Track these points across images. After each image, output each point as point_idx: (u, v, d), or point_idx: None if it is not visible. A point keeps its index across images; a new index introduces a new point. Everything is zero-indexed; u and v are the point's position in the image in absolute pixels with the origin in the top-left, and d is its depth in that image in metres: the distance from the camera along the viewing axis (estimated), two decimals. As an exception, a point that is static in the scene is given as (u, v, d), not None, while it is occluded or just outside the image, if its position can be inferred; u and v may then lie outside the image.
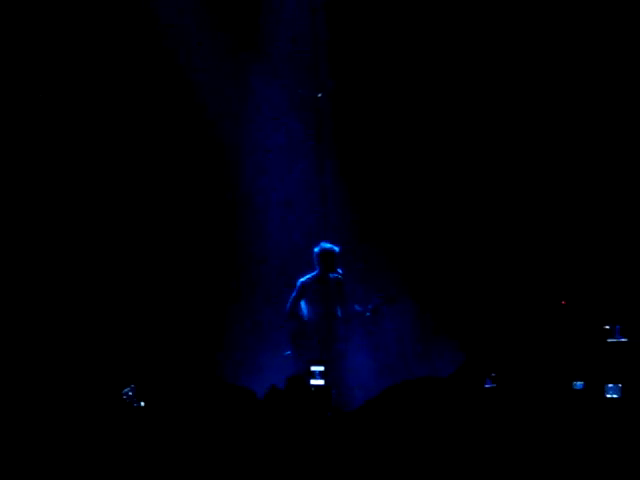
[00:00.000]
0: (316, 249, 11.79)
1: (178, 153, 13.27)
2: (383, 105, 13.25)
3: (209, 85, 13.26)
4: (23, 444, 7.51)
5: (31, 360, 12.24)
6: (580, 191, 12.86)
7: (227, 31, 13.21)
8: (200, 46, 13.24)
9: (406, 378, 10.26)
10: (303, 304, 11.78)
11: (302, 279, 11.82)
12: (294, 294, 11.77)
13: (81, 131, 13.10)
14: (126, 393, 8.53)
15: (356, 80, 13.29)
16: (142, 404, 8.48)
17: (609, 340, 11.07)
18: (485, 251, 13.06)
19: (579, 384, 9.11)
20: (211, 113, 13.30)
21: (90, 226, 13.05)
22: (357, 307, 11.82)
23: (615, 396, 9.56)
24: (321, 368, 9.34)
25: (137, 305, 12.93)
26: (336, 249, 11.75)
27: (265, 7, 13.33)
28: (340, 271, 11.79)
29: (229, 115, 13.38)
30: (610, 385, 9.63)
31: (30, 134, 13.02)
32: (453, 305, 13.04)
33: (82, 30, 12.97)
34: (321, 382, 9.24)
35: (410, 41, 13.13)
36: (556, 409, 7.48)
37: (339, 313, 11.75)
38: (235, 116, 13.40)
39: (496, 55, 12.96)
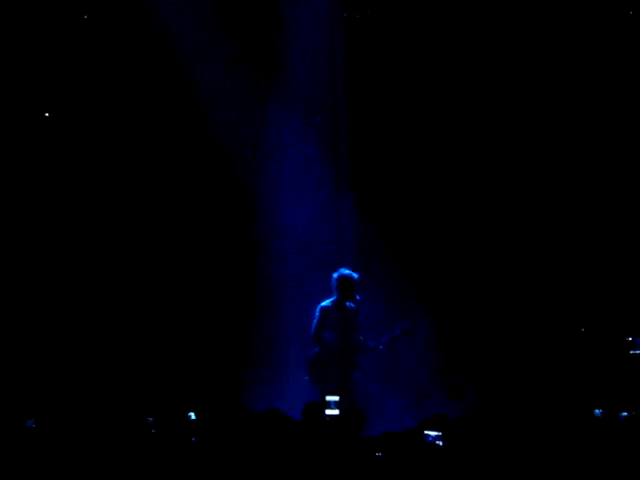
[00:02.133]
0: (335, 275, 11.73)
1: (197, 177, 13.38)
2: (400, 127, 13.30)
3: (227, 114, 13.36)
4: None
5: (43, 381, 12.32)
6: (606, 205, 12.81)
7: (246, 58, 13.29)
8: (219, 74, 13.29)
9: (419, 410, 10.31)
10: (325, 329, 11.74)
11: (322, 304, 11.77)
12: (317, 319, 11.70)
13: (107, 147, 13.31)
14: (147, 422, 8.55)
15: (373, 107, 13.35)
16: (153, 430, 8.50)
17: (632, 352, 11.03)
18: (504, 272, 13.00)
19: (598, 412, 9.02)
20: (229, 135, 13.37)
21: (103, 244, 13.18)
22: (370, 343, 11.76)
23: None
24: (336, 398, 9.29)
25: (164, 328, 13.05)
26: (355, 275, 11.70)
27: (284, 35, 13.37)
28: (358, 298, 11.74)
29: (246, 143, 13.44)
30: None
31: (47, 145, 13.14)
32: (471, 335, 12.97)
33: (113, 62, 13.10)
34: (336, 412, 9.18)
35: (424, 64, 13.19)
36: (580, 438, 7.44)
37: (356, 341, 11.68)
38: (253, 138, 13.45)
39: (510, 72, 12.98)
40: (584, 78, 12.87)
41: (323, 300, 11.79)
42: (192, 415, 9.35)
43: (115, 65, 13.22)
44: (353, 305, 11.71)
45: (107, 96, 13.27)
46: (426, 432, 7.26)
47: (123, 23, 13.21)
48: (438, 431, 7.28)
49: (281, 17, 13.37)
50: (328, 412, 9.33)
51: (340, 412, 9.53)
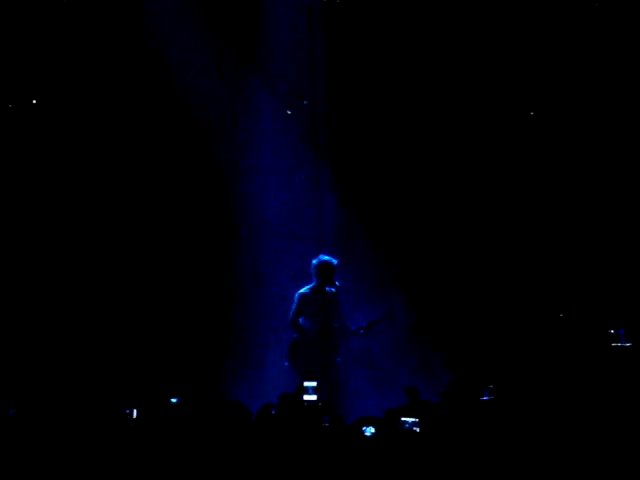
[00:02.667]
0: (314, 261, 11.75)
1: (175, 165, 13.36)
2: (378, 115, 13.30)
3: (207, 97, 13.31)
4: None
5: (31, 364, 12.32)
6: (584, 194, 12.84)
7: (225, 45, 13.27)
8: (198, 58, 13.27)
9: (399, 393, 10.37)
10: (302, 316, 11.74)
11: (300, 290, 11.78)
12: (294, 306, 11.73)
13: (85, 139, 13.22)
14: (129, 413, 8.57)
15: (352, 90, 13.35)
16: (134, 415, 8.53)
17: (614, 344, 11.06)
18: (482, 259, 13.05)
19: None
20: (208, 124, 13.37)
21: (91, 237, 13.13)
22: (352, 326, 11.80)
23: None
24: (314, 383, 9.30)
25: (143, 316, 13.02)
26: (334, 261, 11.73)
27: (263, 20, 13.34)
28: (338, 284, 11.78)
29: (226, 126, 13.43)
30: None
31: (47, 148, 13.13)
32: (450, 317, 13.02)
33: (85, 42, 13.07)
34: (314, 397, 9.20)
35: (404, 52, 13.19)
36: (558, 419, 7.49)
37: (336, 326, 11.72)
38: (232, 127, 13.44)
39: (491, 60, 13.00)
40: (580, 76, 12.88)
41: (302, 287, 11.83)
42: (173, 400, 9.37)
43: (93, 53, 13.15)
44: (333, 290, 11.74)
45: (87, 85, 13.22)
46: (403, 418, 7.31)
47: (101, 9, 13.15)
48: (414, 417, 7.33)
49: (260, 3, 13.35)
50: (306, 397, 9.34)
51: (319, 397, 9.55)
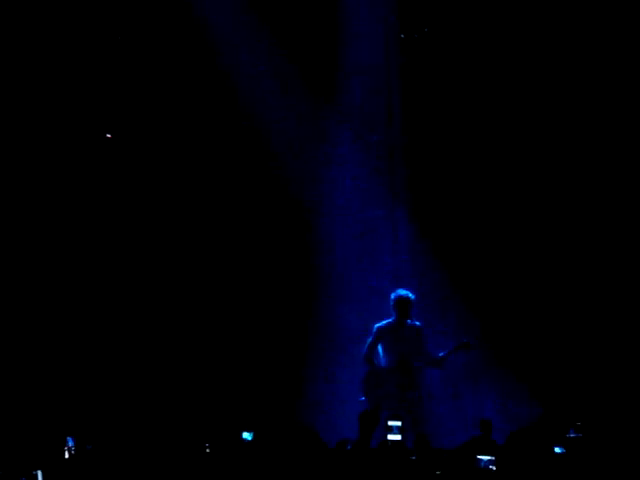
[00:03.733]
0: (392, 295, 11.77)
1: (255, 203, 13.51)
2: (454, 154, 13.25)
3: (285, 133, 13.43)
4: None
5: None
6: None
7: (303, 76, 13.33)
8: (277, 92, 13.36)
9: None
10: (380, 350, 11.71)
11: (379, 324, 11.77)
12: (371, 339, 11.70)
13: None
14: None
15: (428, 125, 13.35)
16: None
17: None
18: (561, 296, 12.84)
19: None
20: (286, 158, 13.45)
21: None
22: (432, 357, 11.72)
23: None
24: (398, 423, 9.15)
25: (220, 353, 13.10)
26: (412, 296, 11.73)
27: (341, 53, 13.39)
28: (418, 323, 11.73)
29: (304, 160, 13.48)
30: None
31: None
32: (531, 351, 12.82)
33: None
34: (398, 437, 9.05)
35: (479, 89, 13.14)
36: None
37: (415, 361, 11.63)
38: (310, 162, 13.51)
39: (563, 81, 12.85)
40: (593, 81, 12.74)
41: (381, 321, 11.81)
42: (247, 436, 9.31)
43: (172, 84, 13.32)
44: (417, 324, 11.70)
45: (170, 117, 13.38)
46: (479, 457, 7.16)
47: (174, 39, 13.31)
48: (490, 454, 7.18)
49: (339, 35, 13.38)
50: (390, 437, 9.20)
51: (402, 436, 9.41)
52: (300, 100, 13.41)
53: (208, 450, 8.68)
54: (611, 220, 12.79)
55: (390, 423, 9.31)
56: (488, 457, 7.10)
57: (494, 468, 7.11)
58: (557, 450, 7.93)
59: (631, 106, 12.69)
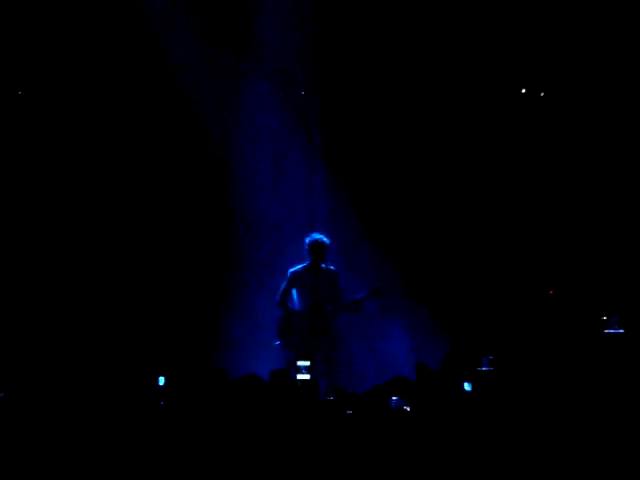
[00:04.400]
0: (307, 239, 11.71)
1: (172, 162, 13.41)
2: (371, 106, 13.29)
3: (200, 86, 13.33)
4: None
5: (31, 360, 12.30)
6: (575, 185, 12.83)
7: (217, 32, 13.21)
8: (191, 49, 13.23)
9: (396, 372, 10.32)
10: (294, 294, 11.70)
11: (292, 269, 11.74)
12: (284, 284, 11.69)
13: (83, 137, 13.24)
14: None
15: (344, 81, 13.33)
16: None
17: (606, 331, 10.99)
18: (476, 240, 13.05)
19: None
20: (202, 115, 13.38)
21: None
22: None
23: None
24: (307, 363, 9.24)
25: (133, 301, 13.08)
26: (326, 240, 11.67)
27: (254, 9, 13.28)
28: (333, 267, 11.74)
29: (219, 117, 13.41)
30: None
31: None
32: (446, 298, 13.01)
33: (84, 40, 13.09)
34: (307, 377, 9.13)
35: (399, 41, 13.15)
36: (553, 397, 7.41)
37: (329, 304, 11.65)
38: (225, 118, 13.42)
39: (488, 59, 12.94)
40: (582, 81, 12.87)
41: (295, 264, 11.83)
42: (161, 380, 9.29)
43: (92, 51, 13.10)
44: (332, 268, 11.72)
45: (86, 82, 13.17)
46: (393, 398, 7.24)
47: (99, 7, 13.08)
48: (403, 394, 7.26)
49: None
50: (299, 377, 9.28)
51: (312, 376, 9.49)
52: (214, 56, 13.28)
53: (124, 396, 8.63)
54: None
55: (299, 363, 9.40)
56: (398, 397, 7.18)
57: (407, 408, 7.20)
58: (467, 387, 8.06)
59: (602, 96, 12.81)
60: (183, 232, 13.37)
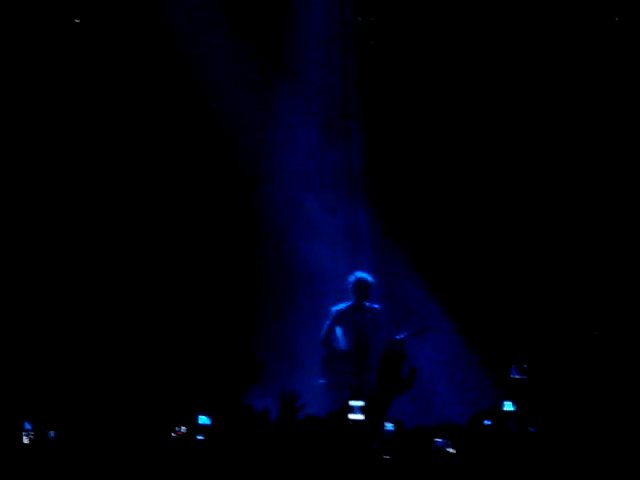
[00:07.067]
0: (351, 278, 11.77)
1: (201, 169, 13.22)
2: (413, 130, 13.20)
3: (235, 106, 13.21)
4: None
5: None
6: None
7: (255, 48, 13.11)
8: (227, 64, 13.19)
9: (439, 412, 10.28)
10: (338, 333, 11.72)
11: (336, 307, 11.80)
12: (328, 322, 11.74)
13: (110, 141, 13.16)
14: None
15: (385, 104, 13.28)
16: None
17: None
18: (520, 280, 12.95)
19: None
20: (236, 132, 13.23)
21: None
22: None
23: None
24: (361, 403, 9.23)
25: (171, 333, 12.94)
26: (370, 279, 11.73)
27: (294, 30, 13.27)
28: (376, 306, 11.75)
29: (254, 134, 13.35)
30: None
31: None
32: (491, 333, 12.91)
33: (112, 50, 13.10)
34: (360, 417, 9.11)
35: (441, 67, 13.11)
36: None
37: (373, 344, 11.66)
38: (260, 135, 13.36)
39: (515, 69, 12.94)
40: (585, 80, 12.83)
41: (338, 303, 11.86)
42: (203, 419, 9.27)
43: (118, 56, 13.14)
44: (376, 306, 11.74)
45: (111, 90, 13.20)
46: (435, 439, 7.22)
47: (126, 14, 13.16)
48: (449, 438, 7.23)
49: (292, 8, 13.22)
50: (352, 417, 9.25)
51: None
52: (252, 73, 13.16)
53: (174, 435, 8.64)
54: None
55: (352, 403, 9.38)
56: (444, 439, 7.16)
57: (452, 450, 7.17)
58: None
59: (609, 97, 12.78)
60: (212, 254, 13.17)
